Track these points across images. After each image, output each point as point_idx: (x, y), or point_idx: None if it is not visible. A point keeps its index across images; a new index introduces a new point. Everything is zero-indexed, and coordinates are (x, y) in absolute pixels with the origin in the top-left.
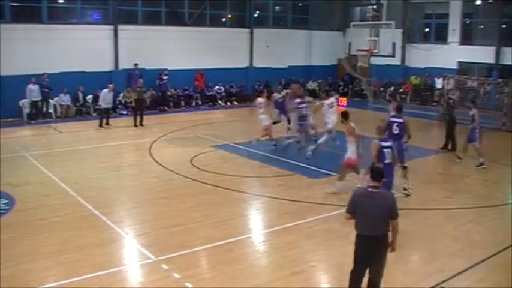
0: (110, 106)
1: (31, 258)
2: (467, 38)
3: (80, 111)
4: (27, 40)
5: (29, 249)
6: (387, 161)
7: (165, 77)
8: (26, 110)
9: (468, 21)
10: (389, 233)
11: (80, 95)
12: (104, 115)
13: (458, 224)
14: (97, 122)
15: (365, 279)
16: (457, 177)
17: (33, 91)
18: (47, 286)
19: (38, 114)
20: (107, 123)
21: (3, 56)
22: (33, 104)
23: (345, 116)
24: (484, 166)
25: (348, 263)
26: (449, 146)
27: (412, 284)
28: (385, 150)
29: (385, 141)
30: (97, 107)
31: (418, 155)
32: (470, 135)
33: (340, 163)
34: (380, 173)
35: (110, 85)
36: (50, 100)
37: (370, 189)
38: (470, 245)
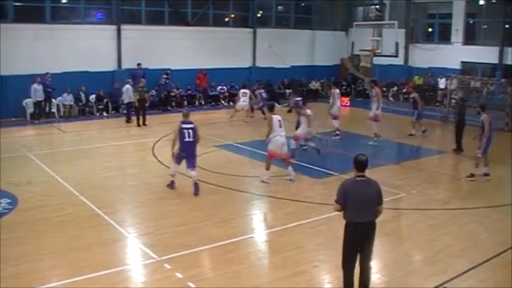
0: (132, 100)
1: (34, 257)
2: (470, 38)
3: (83, 111)
4: (31, 40)
5: (32, 249)
6: (187, 139)
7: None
8: (30, 110)
9: (471, 21)
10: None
11: (82, 95)
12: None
13: (461, 225)
14: (106, 121)
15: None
16: (459, 178)
17: (38, 91)
18: (50, 285)
19: (41, 114)
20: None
21: (7, 55)
22: (37, 104)
23: (270, 108)
24: (473, 179)
25: None
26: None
27: (415, 284)
28: (185, 130)
29: (186, 123)
30: (125, 102)
31: (421, 155)
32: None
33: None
34: (362, 164)
35: (130, 80)
36: (53, 100)
37: (358, 179)
38: (473, 246)
